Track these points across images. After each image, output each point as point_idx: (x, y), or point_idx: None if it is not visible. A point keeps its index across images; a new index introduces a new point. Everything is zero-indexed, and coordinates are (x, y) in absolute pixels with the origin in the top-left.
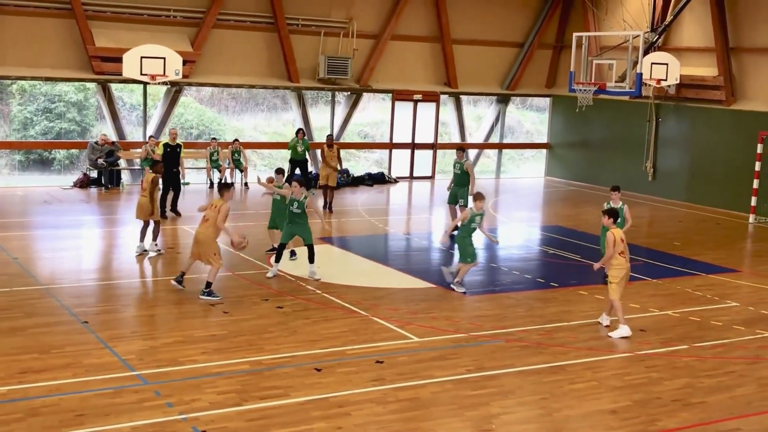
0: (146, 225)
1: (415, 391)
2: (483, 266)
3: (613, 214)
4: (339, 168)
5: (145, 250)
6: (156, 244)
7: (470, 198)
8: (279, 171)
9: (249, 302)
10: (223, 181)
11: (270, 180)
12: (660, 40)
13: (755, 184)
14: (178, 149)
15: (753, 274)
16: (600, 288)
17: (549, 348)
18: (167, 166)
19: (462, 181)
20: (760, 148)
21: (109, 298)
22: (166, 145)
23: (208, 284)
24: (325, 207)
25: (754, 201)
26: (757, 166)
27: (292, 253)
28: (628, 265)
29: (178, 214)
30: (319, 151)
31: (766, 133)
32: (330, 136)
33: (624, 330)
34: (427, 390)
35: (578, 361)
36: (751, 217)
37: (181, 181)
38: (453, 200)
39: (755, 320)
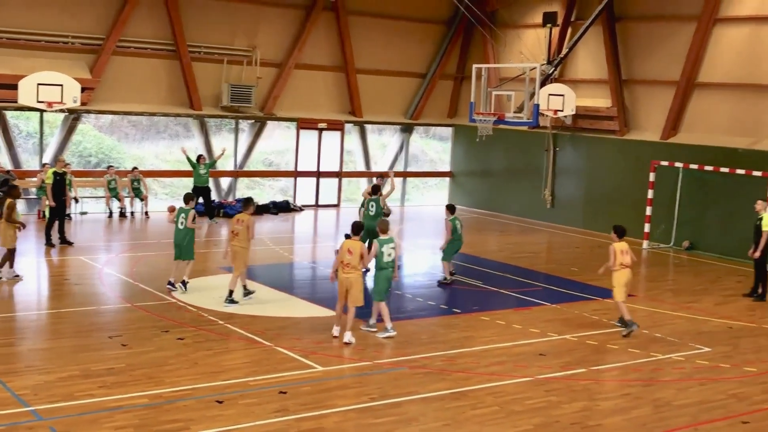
0: (8, 251)
1: (319, 421)
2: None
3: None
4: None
5: (17, 275)
6: (7, 272)
7: None
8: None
9: (148, 334)
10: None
11: None
12: (556, 72)
13: (648, 211)
14: (66, 177)
15: (647, 298)
16: (501, 313)
17: (452, 374)
18: (56, 194)
19: None
20: (652, 177)
21: (2, 331)
22: (55, 173)
23: (231, 292)
24: None
25: (647, 228)
26: (650, 193)
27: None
28: (343, 276)
29: (68, 243)
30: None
31: (657, 162)
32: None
33: (346, 334)
34: (331, 420)
35: (480, 387)
36: (645, 243)
37: (67, 209)
38: None
39: (650, 343)
